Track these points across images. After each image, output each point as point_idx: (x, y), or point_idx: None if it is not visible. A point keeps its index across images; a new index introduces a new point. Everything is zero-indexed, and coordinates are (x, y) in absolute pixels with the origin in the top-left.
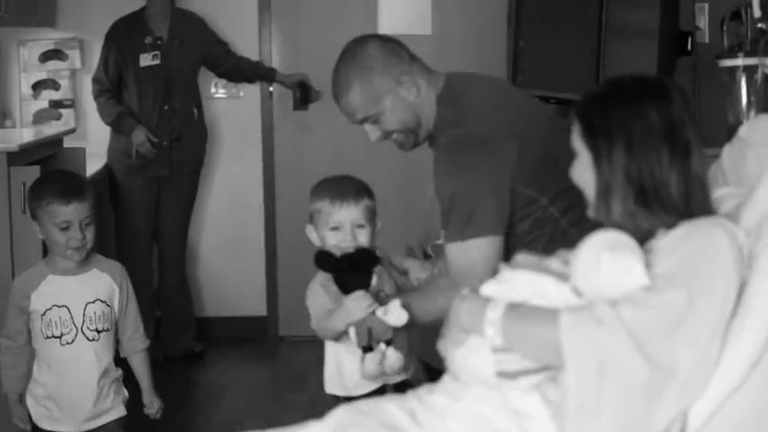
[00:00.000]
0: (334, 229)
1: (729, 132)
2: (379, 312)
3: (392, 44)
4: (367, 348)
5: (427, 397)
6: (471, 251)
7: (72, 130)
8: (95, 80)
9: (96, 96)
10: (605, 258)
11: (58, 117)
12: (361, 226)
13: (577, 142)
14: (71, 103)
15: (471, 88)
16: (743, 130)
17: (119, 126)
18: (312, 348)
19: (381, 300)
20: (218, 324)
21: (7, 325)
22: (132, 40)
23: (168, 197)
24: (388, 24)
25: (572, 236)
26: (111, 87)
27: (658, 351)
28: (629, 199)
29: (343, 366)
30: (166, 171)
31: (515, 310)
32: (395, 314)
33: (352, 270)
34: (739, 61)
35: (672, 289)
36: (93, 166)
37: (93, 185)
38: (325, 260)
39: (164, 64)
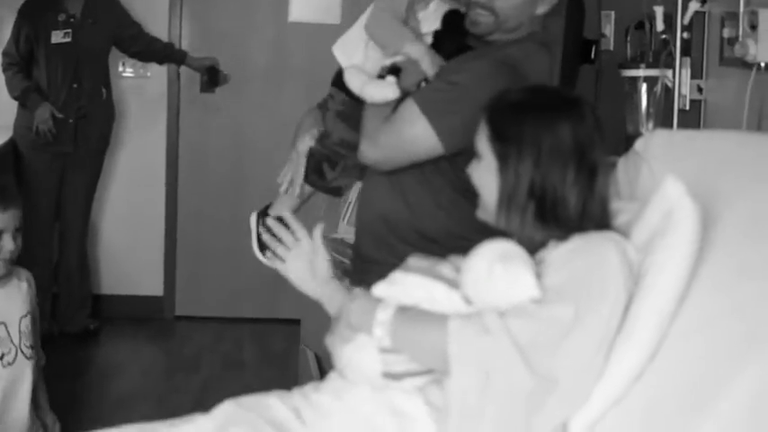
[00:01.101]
0: None
1: (627, 142)
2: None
3: None
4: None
5: (312, 395)
6: (415, 123)
7: None
8: (5, 53)
9: (4, 69)
10: (497, 270)
11: None
12: None
13: (484, 145)
14: None
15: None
16: (639, 144)
17: (24, 101)
18: (207, 330)
19: None
20: (115, 302)
21: None
22: (45, 17)
23: (72, 175)
24: (298, 12)
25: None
26: (21, 62)
27: (542, 362)
28: (527, 211)
29: None
30: (71, 148)
31: (405, 313)
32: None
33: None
34: (641, 72)
35: (560, 303)
36: None
37: None
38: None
39: (75, 42)
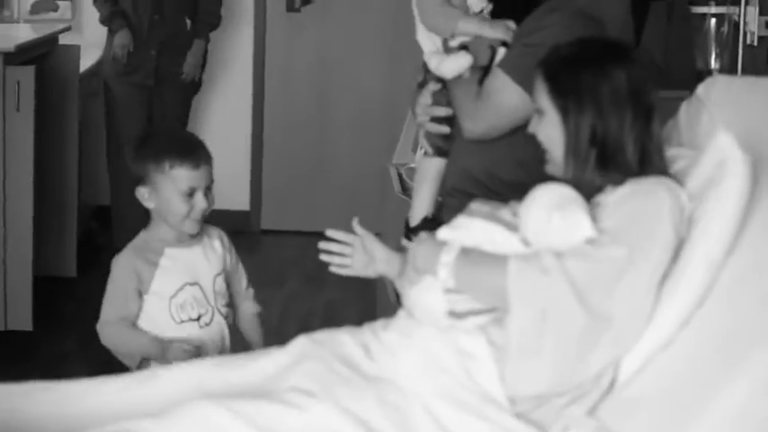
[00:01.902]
0: None
1: (698, 77)
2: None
3: None
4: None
5: (381, 333)
6: (509, 92)
7: (67, 29)
8: None
9: (95, 1)
10: (555, 217)
11: (55, 8)
12: None
13: (544, 101)
14: None
15: None
16: (701, 89)
17: (109, 25)
18: (293, 244)
19: None
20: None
21: (113, 311)
22: None
23: (159, 108)
24: None
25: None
26: None
27: (597, 301)
28: (590, 158)
29: None
30: (152, 81)
31: (467, 254)
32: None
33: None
34: (710, 9)
35: (614, 244)
36: (88, 60)
37: (85, 81)
38: None
39: None
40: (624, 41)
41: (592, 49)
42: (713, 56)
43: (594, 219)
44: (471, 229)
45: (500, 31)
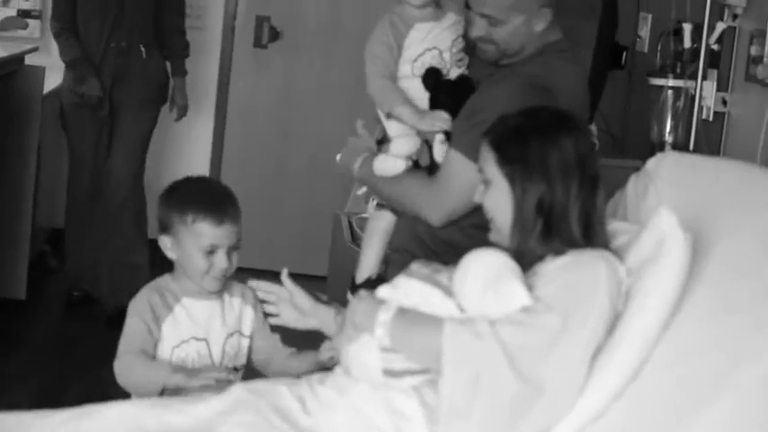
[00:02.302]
0: None
1: (652, 149)
2: (439, 137)
3: None
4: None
5: (318, 387)
6: (467, 171)
7: (34, 49)
8: (56, 16)
9: (57, 35)
10: (489, 288)
11: (24, 26)
12: None
13: (492, 171)
14: (38, 14)
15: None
16: (650, 164)
17: (74, 70)
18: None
19: None
20: (156, 246)
21: (131, 343)
22: None
23: (117, 137)
24: None
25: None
26: (73, 24)
27: (529, 368)
28: (536, 227)
29: None
30: (106, 111)
31: (405, 314)
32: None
33: (450, 95)
34: (667, 82)
35: (549, 312)
36: (55, 80)
37: (50, 102)
38: (433, 77)
39: None
40: (569, 111)
41: (539, 118)
42: (668, 129)
43: (532, 287)
44: (410, 289)
45: (436, 124)
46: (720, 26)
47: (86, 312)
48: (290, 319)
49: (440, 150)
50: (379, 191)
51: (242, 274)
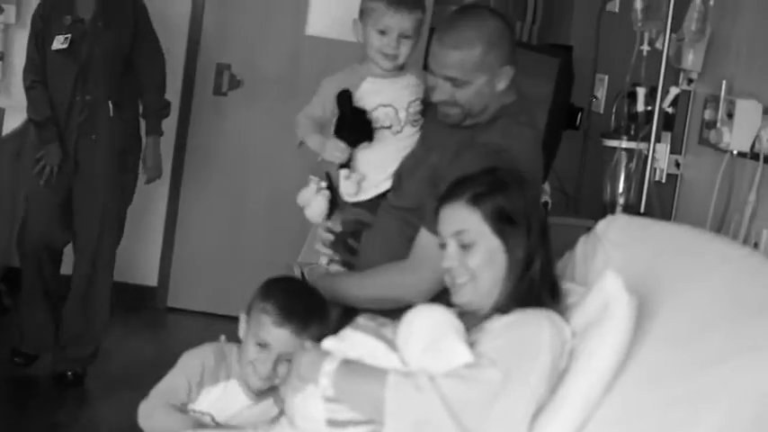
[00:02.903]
0: (382, 32)
1: (604, 209)
2: (343, 173)
3: (511, 34)
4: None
5: None
6: (423, 239)
7: None
8: (28, 69)
9: (29, 88)
10: (432, 345)
11: None
12: (407, 37)
13: (478, 229)
14: (0, 56)
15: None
16: (600, 226)
17: (40, 130)
18: (197, 324)
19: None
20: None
21: (164, 391)
22: (53, 20)
23: (78, 198)
24: (316, 26)
25: None
26: (42, 70)
27: (470, 421)
28: (522, 283)
29: None
30: (71, 169)
31: (348, 365)
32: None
33: (355, 123)
34: (621, 143)
35: (492, 367)
36: (14, 121)
37: (8, 143)
38: (344, 99)
39: (77, 49)
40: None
41: (504, 175)
42: (620, 190)
43: (476, 343)
44: (355, 341)
45: (334, 154)
46: (674, 90)
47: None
48: None
49: (344, 186)
50: (350, 295)
51: (198, 317)
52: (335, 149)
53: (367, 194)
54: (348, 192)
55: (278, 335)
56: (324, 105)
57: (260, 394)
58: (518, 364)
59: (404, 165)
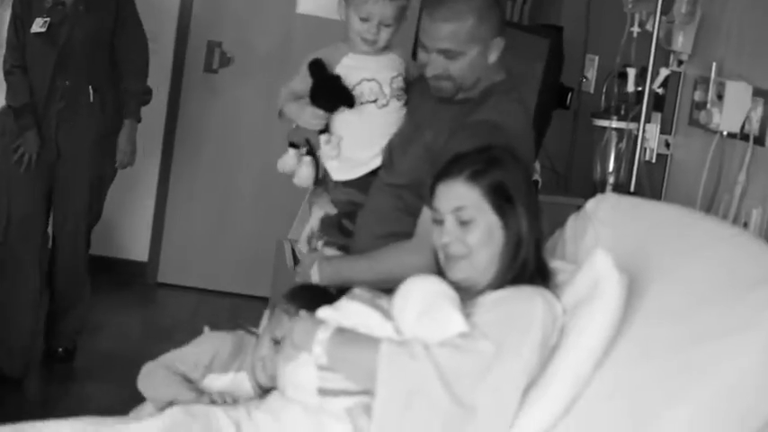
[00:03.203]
0: (363, 19)
1: (594, 188)
2: (323, 138)
3: (499, 5)
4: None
5: (254, 411)
6: (423, 216)
7: None
8: (9, 49)
9: (8, 73)
10: (426, 315)
11: None
12: (387, 25)
13: (477, 206)
14: None
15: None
16: (589, 205)
17: (18, 116)
18: (187, 299)
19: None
20: (99, 263)
21: (173, 359)
22: (35, 1)
23: (60, 184)
24: (308, 5)
25: None
26: (22, 54)
27: (462, 390)
28: (519, 259)
29: None
30: (53, 157)
31: (343, 333)
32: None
33: (332, 89)
34: (611, 123)
35: (484, 339)
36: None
37: None
38: (316, 67)
39: (55, 33)
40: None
41: (499, 153)
42: (610, 169)
43: (470, 315)
44: (350, 311)
45: (311, 122)
46: (664, 72)
47: None
48: None
49: (325, 150)
50: (358, 279)
51: (188, 293)
52: (312, 117)
53: (357, 173)
54: (329, 155)
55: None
56: (305, 80)
57: (266, 392)
58: (510, 337)
59: (393, 142)
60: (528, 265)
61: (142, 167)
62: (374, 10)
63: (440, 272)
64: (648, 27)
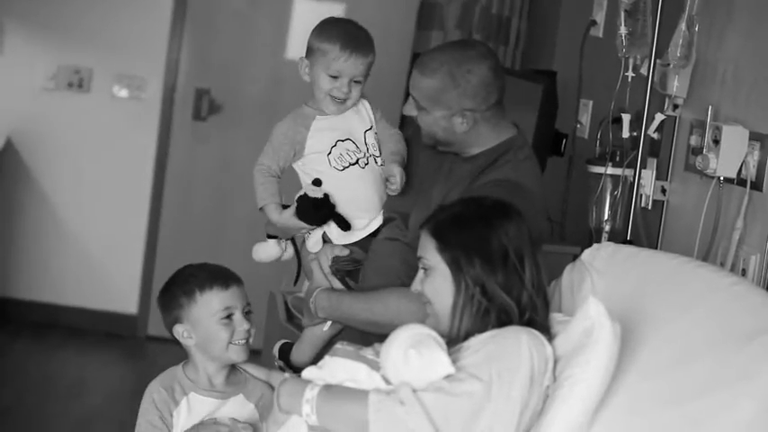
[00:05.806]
0: (333, 77)
1: (590, 236)
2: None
3: (494, 79)
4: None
5: None
6: None
7: None
8: None
9: None
10: (413, 354)
11: None
12: (358, 81)
13: (433, 258)
14: None
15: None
16: (586, 255)
17: None
18: (177, 353)
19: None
20: (86, 315)
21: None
22: None
23: None
24: (297, 50)
25: None
26: None
27: None
28: (475, 311)
29: None
30: None
31: (330, 389)
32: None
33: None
34: (606, 170)
35: (473, 380)
36: None
37: None
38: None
39: None
40: (508, 201)
41: (480, 205)
42: (606, 216)
43: (456, 359)
44: (335, 368)
45: (315, 247)
46: (660, 116)
47: None
48: None
49: (310, 242)
50: (355, 317)
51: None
52: (316, 245)
53: (358, 237)
54: (313, 248)
55: (231, 294)
56: (277, 154)
57: (224, 392)
58: (499, 376)
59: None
60: (503, 317)
61: (131, 216)
62: (345, 67)
63: None
64: (643, 71)
